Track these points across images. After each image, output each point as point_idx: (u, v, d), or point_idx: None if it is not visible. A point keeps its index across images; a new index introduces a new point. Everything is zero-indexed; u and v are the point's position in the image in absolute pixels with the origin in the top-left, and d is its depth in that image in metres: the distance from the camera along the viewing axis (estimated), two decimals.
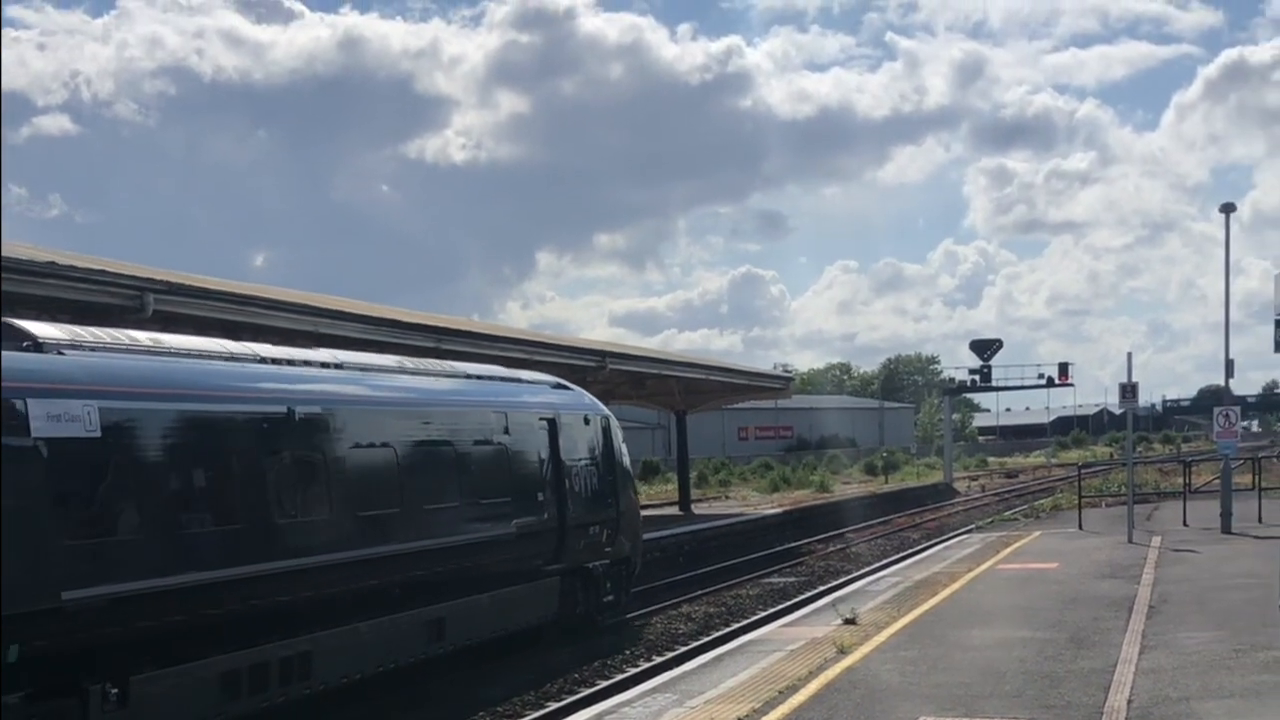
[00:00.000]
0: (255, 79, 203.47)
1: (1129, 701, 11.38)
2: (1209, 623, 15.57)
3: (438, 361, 19.35)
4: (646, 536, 23.71)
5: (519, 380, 19.93)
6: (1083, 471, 38.64)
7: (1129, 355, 27.76)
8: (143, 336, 13.39)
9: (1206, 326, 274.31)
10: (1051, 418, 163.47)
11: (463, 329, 28.33)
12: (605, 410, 21.19)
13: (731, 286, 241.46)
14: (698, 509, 46.50)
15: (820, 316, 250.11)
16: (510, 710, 15.24)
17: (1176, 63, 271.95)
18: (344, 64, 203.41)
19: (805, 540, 36.41)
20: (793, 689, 12.55)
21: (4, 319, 12.09)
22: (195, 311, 19.06)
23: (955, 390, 76.44)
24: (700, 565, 29.57)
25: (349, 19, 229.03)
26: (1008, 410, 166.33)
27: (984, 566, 22.92)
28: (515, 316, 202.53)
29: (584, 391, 21.54)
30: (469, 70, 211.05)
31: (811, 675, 13.19)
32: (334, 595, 14.00)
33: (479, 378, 18.89)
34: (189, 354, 13.42)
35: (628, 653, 18.59)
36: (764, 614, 21.51)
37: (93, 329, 12.98)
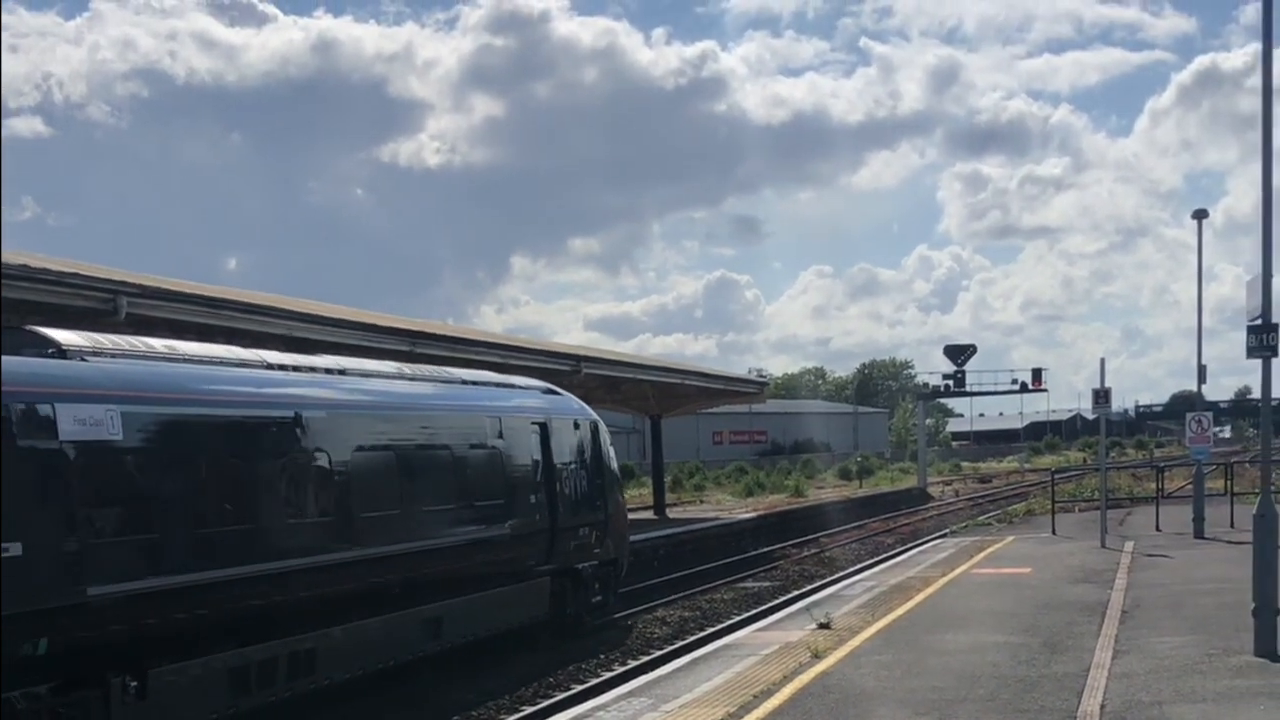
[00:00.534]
0: (228, 82, 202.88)
1: (1102, 706, 11.41)
2: (1182, 627, 15.65)
3: (434, 368, 19.71)
4: None
5: (512, 385, 20.45)
6: (1056, 477, 38.71)
7: (1102, 361, 27.93)
8: (158, 344, 13.88)
9: (1180, 332, 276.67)
10: (1025, 423, 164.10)
11: (437, 333, 28.26)
12: (594, 415, 21.71)
13: (706, 291, 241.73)
14: (672, 513, 46.49)
15: (795, 321, 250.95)
16: (484, 715, 15.23)
17: (1150, 69, 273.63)
18: (318, 67, 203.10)
19: (780, 545, 36.45)
20: (767, 693, 12.55)
21: (30, 327, 12.88)
22: (169, 315, 18.95)
23: (929, 395, 76.71)
24: (675, 569, 29.57)
25: (322, 22, 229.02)
26: (981, 415, 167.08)
27: (958, 571, 22.98)
28: (490, 321, 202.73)
29: (573, 396, 22.07)
30: (443, 74, 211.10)
31: (786, 680, 13.19)
32: (338, 594, 14.46)
33: (474, 383, 19.36)
34: (201, 360, 13.96)
35: (603, 656, 18.59)
36: (739, 618, 21.52)
37: (111, 336, 13.49)
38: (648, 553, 32.14)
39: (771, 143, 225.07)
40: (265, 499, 13.55)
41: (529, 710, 15.11)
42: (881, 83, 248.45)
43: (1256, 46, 13.28)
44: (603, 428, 21.70)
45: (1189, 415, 27.93)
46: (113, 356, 12.69)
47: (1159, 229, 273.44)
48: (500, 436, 18.15)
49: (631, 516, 42.49)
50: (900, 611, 18.05)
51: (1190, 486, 30.43)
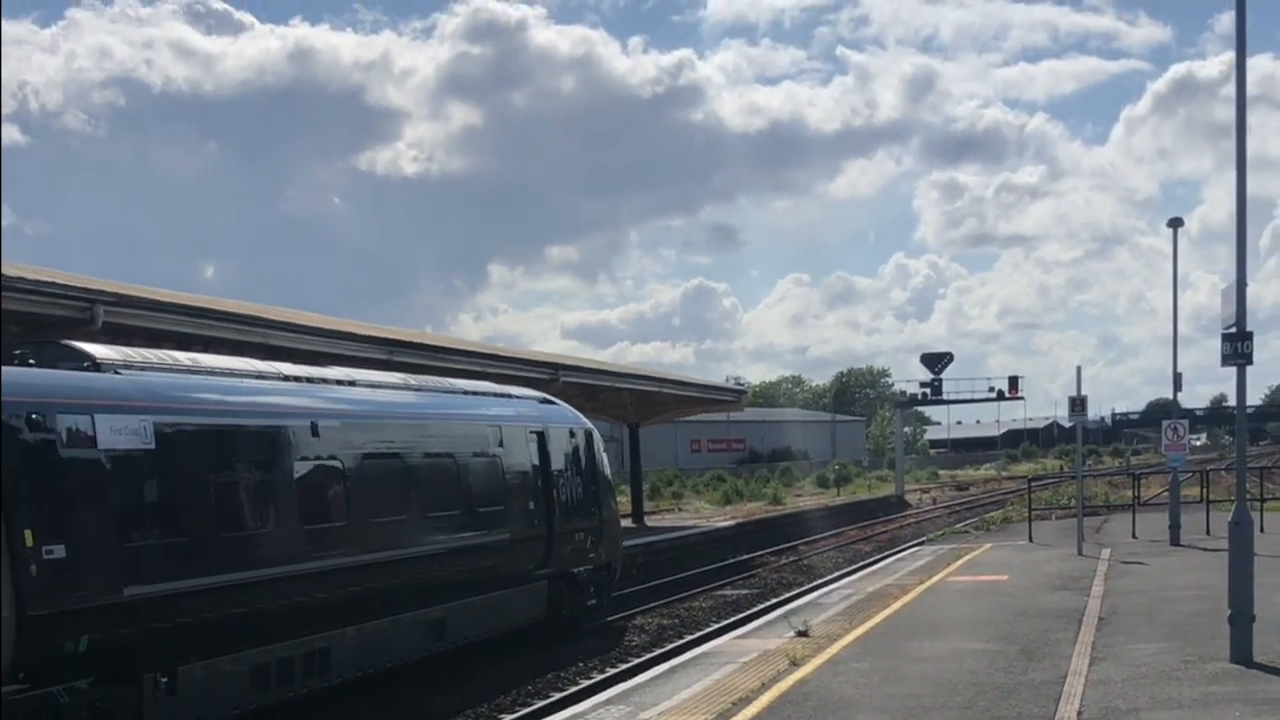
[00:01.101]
0: (205, 90, 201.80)
1: (1079, 713, 11.46)
2: (1158, 634, 15.71)
3: (437, 379, 20.30)
4: None
5: (510, 395, 21.06)
6: (1033, 484, 38.91)
7: (1078, 369, 27.98)
8: (183, 357, 14.55)
9: (1155, 340, 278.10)
10: (1002, 431, 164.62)
11: (415, 341, 28.25)
12: (588, 424, 22.31)
13: (684, 299, 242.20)
14: (651, 521, 46.51)
15: (772, 330, 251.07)
16: None
17: (1126, 77, 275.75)
18: (295, 76, 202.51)
19: (758, 552, 36.45)
20: (746, 701, 12.56)
21: (65, 341, 13.55)
22: (146, 324, 18.92)
23: (906, 403, 76.87)
24: (653, 577, 29.51)
25: (299, 30, 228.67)
26: (958, 423, 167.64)
27: (935, 579, 23.04)
28: (468, 329, 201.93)
29: (568, 406, 22.67)
30: (420, 82, 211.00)
31: (764, 687, 13.20)
32: (352, 595, 15.04)
33: (475, 394, 20.00)
34: (223, 372, 14.65)
35: (582, 664, 18.56)
36: (717, 626, 21.53)
37: (140, 350, 14.14)
38: (626, 561, 32.08)
39: (749, 151, 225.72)
40: (283, 504, 14.16)
41: (508, 718, 15.11)
42: (858, 91, 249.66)
43: (1232, 55, 13.36)
44: (597, 436, 22.31)
45: (1165, 423, 28.05)
46: (142, 369, 13.31)
47: (1135, 237, 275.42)
48: (501, 445, 18.76)
49: None
50: (878, 619, 18.08)
51: (1166, 494, 30.60)
